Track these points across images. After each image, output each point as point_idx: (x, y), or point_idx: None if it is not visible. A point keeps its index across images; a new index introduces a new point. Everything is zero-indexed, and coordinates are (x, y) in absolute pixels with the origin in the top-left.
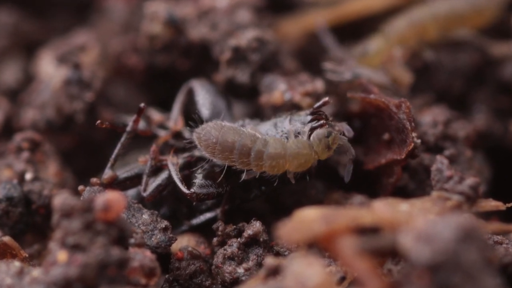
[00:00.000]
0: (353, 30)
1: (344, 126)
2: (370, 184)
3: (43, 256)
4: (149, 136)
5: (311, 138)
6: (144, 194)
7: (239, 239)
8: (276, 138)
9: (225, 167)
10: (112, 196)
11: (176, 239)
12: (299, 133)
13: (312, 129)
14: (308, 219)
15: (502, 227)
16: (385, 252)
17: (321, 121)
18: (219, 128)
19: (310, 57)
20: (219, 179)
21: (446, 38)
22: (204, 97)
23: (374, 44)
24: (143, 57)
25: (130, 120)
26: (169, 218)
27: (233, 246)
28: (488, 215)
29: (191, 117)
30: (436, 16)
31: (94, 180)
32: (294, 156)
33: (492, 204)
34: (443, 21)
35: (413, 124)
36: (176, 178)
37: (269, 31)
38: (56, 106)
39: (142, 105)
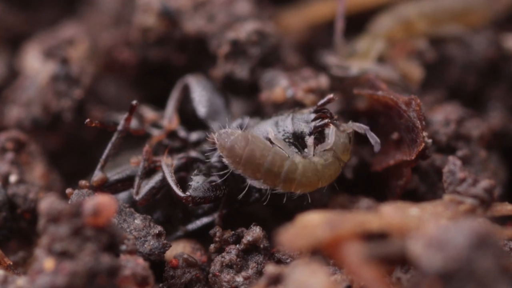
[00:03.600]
0: (358, 23)
1: (357, 126)
2: (378, 187)
3: (28, 264)
4: (141, 136)
5: (336, 150)
6: (137, 198)
7: (237, 245)
8: (306, 164)
9: (229, 172)
10: (102, 199)
11: (170, 246)
12: (302, 132)
13: (315, 128)
14: (312, 224)
15: None
16: (393, 259)
17: (326, 120)
18: (246, 141)
19: (313, 51)
20: (217, 181)
21: (435, 33)
22: (200, 94)
23: (362, 44)
24: (135, 51)
25: (121, 119)
26: (163, 223)
27: (231, 253)
28: (503, 220)
29: (186, 115)
30: (424, 12)
31: (83, 182)
32: (327, 180)
33: (508, 208)
34: (431, 17)
35: (423, 122)
36: (171, 181)
37: (270, 24)
38: (42, 103)
39: (134, 102)
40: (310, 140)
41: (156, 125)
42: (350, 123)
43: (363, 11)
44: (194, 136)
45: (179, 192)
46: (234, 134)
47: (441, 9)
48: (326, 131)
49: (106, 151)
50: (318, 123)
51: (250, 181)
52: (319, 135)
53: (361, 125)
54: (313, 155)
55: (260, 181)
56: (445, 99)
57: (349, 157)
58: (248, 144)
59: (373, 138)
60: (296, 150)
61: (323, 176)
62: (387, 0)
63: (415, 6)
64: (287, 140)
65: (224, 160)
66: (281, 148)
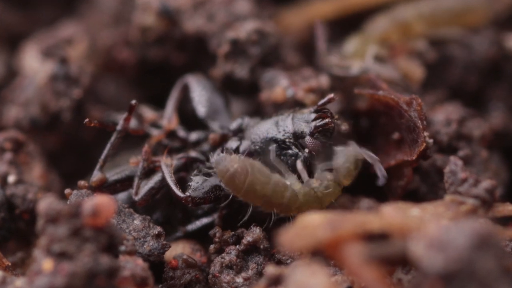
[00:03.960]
0: (358, 22)
1: (368, 154)
2: (379, 187)
3: (27, 264)
4: (141, 136)
5: (339, 174)
6: (136, 198)
7: (237, 246)
8: (307, 193)
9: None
10: (101, 200)
11: (170, 247)
12: (302, 132)
13: (316, 128)
14: (312, 224)
15: None
16: (394, 260)
17: (326, 120)
18: (246, 173)
19: (314, 51)
20: (217, 182)
21: (434, 35)
22: (200, 93)
23: (350, 45)
24: (134, 51)
25: (120, 118)
26: (163, 223)
27: (231, 253)
28: (505, 221)
29: (186, 115)
30: (422, 14)
31: (81, 183)
32: (328, 203)
33: (510, 209)
34: (429, 18)
35: (424, 122)
36: (170, 181)
37: (270, 23)
38: (41, 103)
39: (133, 102)
40: (299, 165)
41: (155, 125)
42: (363, 150)
43: (361, 11)
44: (194, 136)
45: (178, 192)
46: (233, 163)
47: (440, 10)
48: (336, 151)
49: (105, 151)
50: (318, 123)
51: None
52: (319, 135)
53: (372, 155)
54: (312, 177)
55: (261, 207)
56: (446, 99)
57: (350, 182)
58: (247, 177)
59: (381, 171)
60: (298, 151)
61: (323, 202)
62: (386, 0)
63: (412, 8)
64: (287, 140)
65: (224, 186)
66: (280, 169)
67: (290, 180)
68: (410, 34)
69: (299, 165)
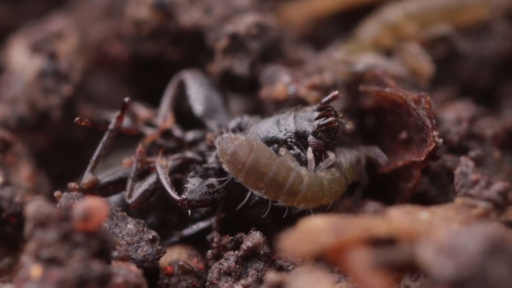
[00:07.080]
0: (361, 16)
1: (376, 152)
2: (386, 190)
3: (14, 271)
4: (134, 135)
5: (342, 167)
6: (129, 201)
7: (236, 251)
8: (312, 177)
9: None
10: (93, 203)
11: (165, 252)
12: (304, 131)
13: (319, 127)
14: (315, 229)
15: None
16: (402, 266)
17: (330, 118)
18: (251, 148)
19: (317, 46)
20: (215, 184)
21: (426, 36)
22: (197, 90)
23: (343, 53)
24: (128, 45)
25: (113, 117)
26: (157, 228)
27: (229, 259)
28: None
29: (182, 113)
30: (410, 14)
31: (72, 185)
32: (332, 196)
33: None
34: (419, 18)
35: (434, 121)
36: (165, 183)
37: (270, 16)
38: (29, 101)
39: (126, 99)
40: (310, 154)
41: (150, 123)
42: (363, 148)
43: (363, 4)
44: (190, 135)
45: (174, 195)
46: (238, 140)
47: (430, 9)
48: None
49: (97, 152)
50: (322, 121)
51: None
52: (322, 134)
53: (373, 148)
54: (315, 170)
55: (261, 192)
56: (456, 96)
57: (354, 177)
58: (252, 151)
59: (380, 156)
60: (300, 151)
61: (328, 192)
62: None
63: (398, 8)
64: (289, 140)
65: (224, 167)
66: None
67: (297, 167)
68: (401, 35)
69: (310, 154)
